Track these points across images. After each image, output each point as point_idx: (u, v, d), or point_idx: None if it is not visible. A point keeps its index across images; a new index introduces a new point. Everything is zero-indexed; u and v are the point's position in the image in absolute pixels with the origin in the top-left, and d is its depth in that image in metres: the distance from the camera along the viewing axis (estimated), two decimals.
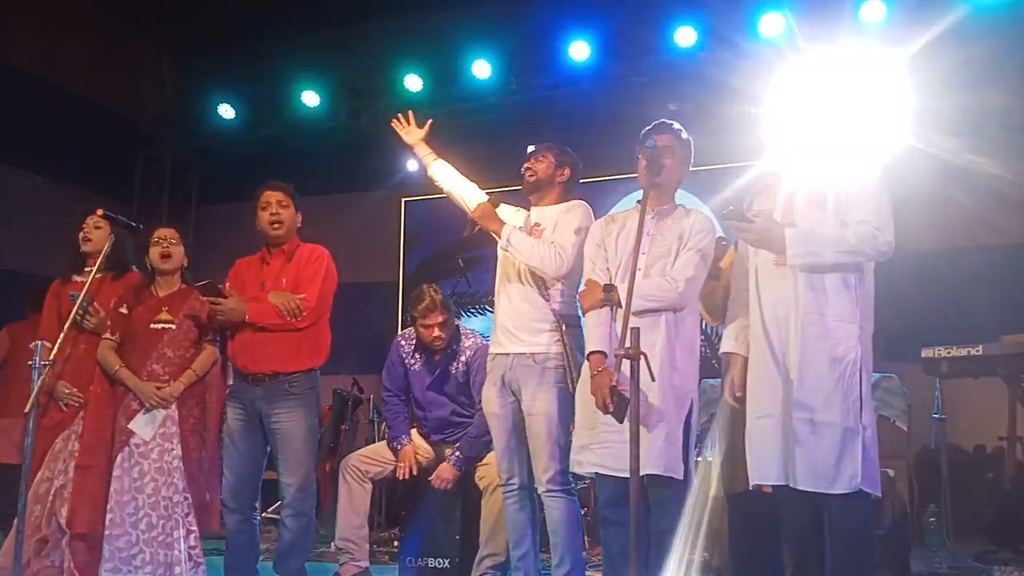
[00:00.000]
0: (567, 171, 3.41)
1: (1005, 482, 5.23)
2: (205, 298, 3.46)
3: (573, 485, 3.26)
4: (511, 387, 3.26)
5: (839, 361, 2.57)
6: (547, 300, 3.24)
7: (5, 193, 7.54)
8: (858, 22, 6.48)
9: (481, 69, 7.63)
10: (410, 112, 3.73)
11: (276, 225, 3.62)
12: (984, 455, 5.84)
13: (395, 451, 4.02)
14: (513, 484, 3.30)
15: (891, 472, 4.01)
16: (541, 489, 3.22)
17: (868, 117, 2.91)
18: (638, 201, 2.96)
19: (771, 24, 6.60)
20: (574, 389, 3.13)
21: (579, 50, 7.29)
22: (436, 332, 3.98)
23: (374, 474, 4.01)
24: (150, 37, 8.99)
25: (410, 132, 3.70)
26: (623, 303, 2.79)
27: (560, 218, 3.31)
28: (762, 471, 2.67)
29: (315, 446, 3.62)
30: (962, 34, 6.25)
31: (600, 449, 2.87)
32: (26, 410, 2.80)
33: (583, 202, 3.40)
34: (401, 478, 3.97)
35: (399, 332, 4.30)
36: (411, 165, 8.72)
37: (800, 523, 2.69)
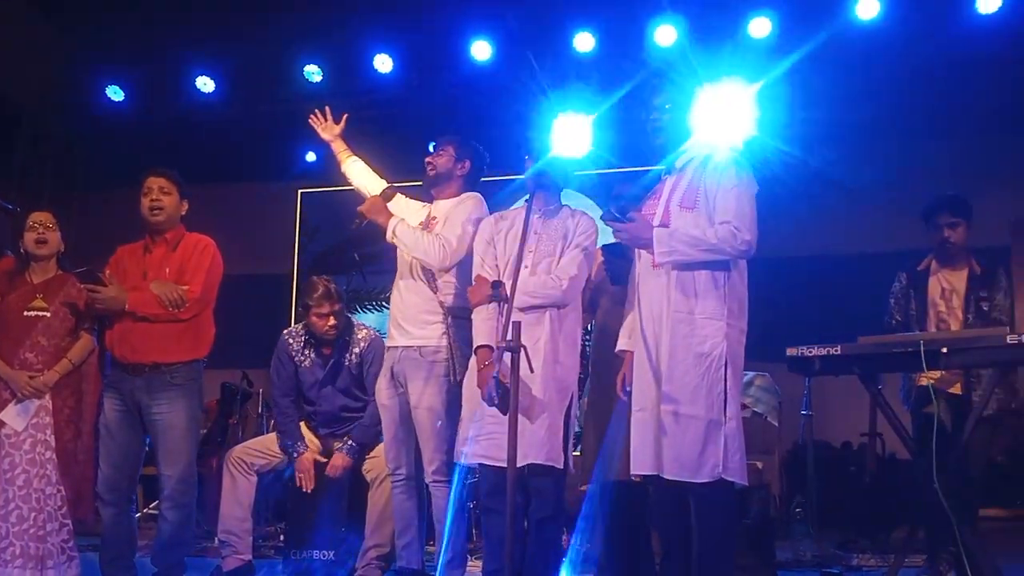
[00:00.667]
0: (467, 164, 3.46)
1: (866, 476, 5.60)
2: (84, 285, 3.36)
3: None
4: (399, 379, 3.32)
5: (705, 356, 2.71)
6: (435, 292, 3.30)
7: None
8: (746, 36, 6.79)
9: (383, 63, 7.61)
10: (327, 108, 3.76)
11: (156, 212, 3.55)
12: (848, 451, 6.24)
13: (291, 457, 3.98)
14: (400, 474, 3.37)
15: (759, 464, 4.24)
16: (428, 480, 3.28)
17: (740, 127, 3.09)
18: (527, 200, 3.09)
19: (664, 35, 6.83)
20: (457, 382, 3.21)
21: (481, 50, 7.36)
22: (331, 321, 3.98)
23: (260, 466, 3.97)
24: (36, 14, 8.55)
25: (326, 128, 3.74)
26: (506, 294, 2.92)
27: (451, 211, 3.36)
28: (637, 462, 2.80)
29: (197, 438, 3.58)
30: (841, 50, 6.68)
31: (485, 440, 2.96)
32: None
33: (475, 194, 3.45)
34: (306, 489, 3.93)
35: (285, 330, 4.22)
36: (309, 156, 8.64)
37: (668, 511, 2.84)
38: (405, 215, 3.42)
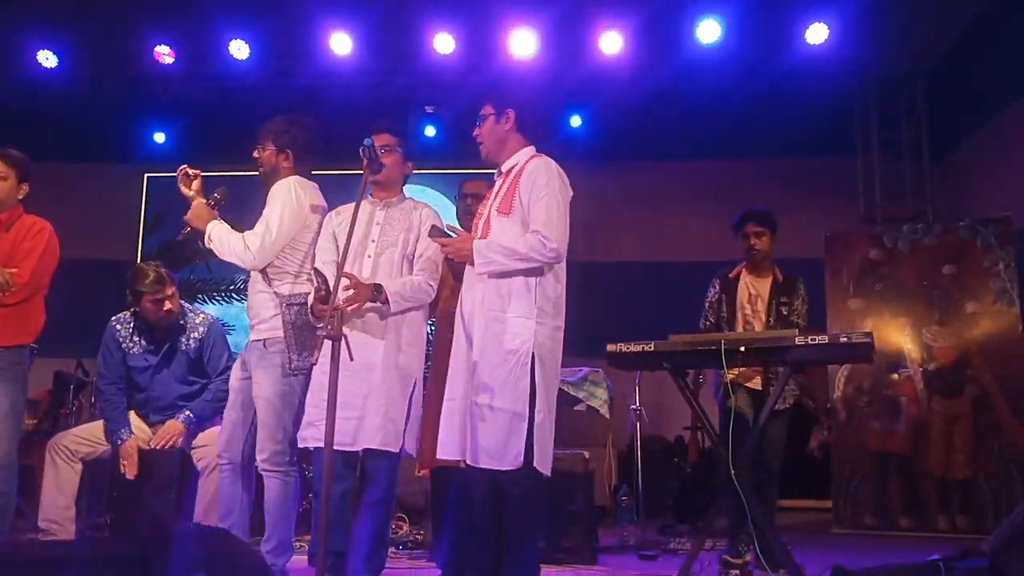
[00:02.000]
0: (290, 155, 3.44)
1: (688, 466, 6.01)
2: None
3: (291, 466, 3.33)
4: (247, 367, 3.37)
5: (512, 353, 2.89)
6: (269, 284, 3.33)
7: None
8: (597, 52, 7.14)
9: (239, 50, 7.49)
10: (185, 167, 3.49)
11: None
12: (680, 443, 6.67)
13: (115, 445, 3.91)
14: (225, 458, 3.37)
15: (586, 454, 4.50)
16: (260, 468, 3.30)
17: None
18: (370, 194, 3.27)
19: (520, 42, 7.08)
20: (293, 370, 3.26)
21: (340, 43, 7.37)
22: (168, 306, 3.95)
23: (85, 454, 3.88)
24: None
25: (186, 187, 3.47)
26: (389, 299, 3.13)
27: (266, 206, 3.36)
28: (444, 447, 2.98)
29: (19, 424, 3.46)
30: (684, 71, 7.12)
31: (323, 424, 3.01)
32: None
33: (288, 180, 3.39)
34: (129, 476, 3.86)
35: (113, 317, 4.12)
36: (158, 137, 8.40)
37: (479, 494, 3.02)
38: None
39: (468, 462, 2.90)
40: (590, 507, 4.49)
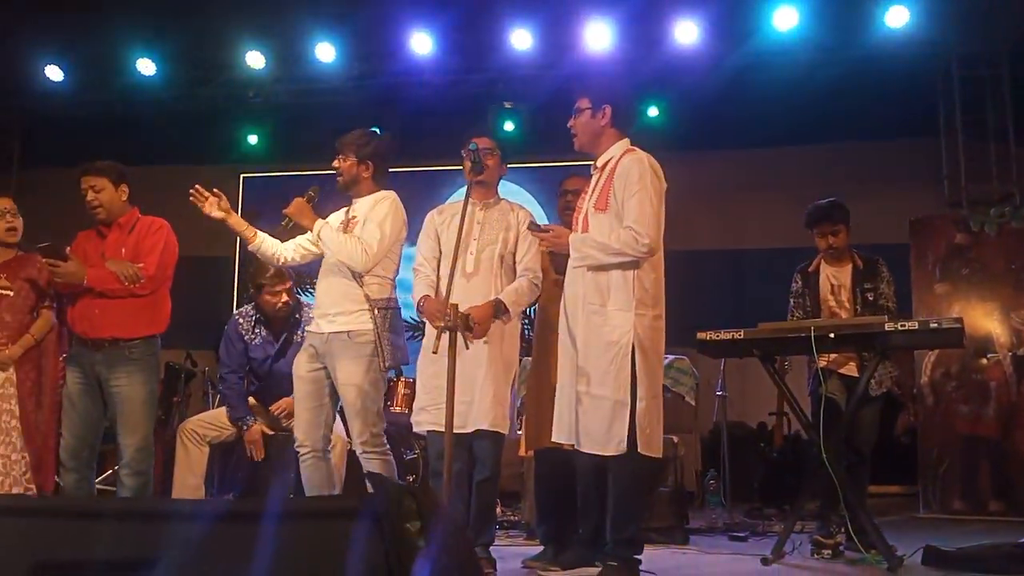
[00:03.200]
0: (370, 165, 3.59)
1: (774, 451, 6.08)
2: (45, 260, 3.50)
3: (387, 447, 3.50)
4: (323, 359, 3.48)
5: (613, 344, 3.06)
6: (361, 286, 3.48)
7: None
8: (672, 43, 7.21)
9: (325, 52, 7.78)
10: (198, 187, 3.60)
11: (97, 211, 3.67)
12: (763, 429, 6.74)
13: (241, 430, 4.23)
14: (307, 447, 3.49)
15: (675, 439, 4.64)
16: (359, 451, 3.46)
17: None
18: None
19: (596, 35, 7.20)
20: (384, 367, 3.44)
21: (421, 43, 7.59)
22: (284, 298, 4.23)
23: (212, 438, 4.23)
24: None
25: (210, 205, 3.57)
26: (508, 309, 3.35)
27: (368, 212, 3.53)
28: (557, 431, 3.20)
29: (154, 409, 3.76)
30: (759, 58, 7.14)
31: (435, 409, 3.27)
32: None
33: (390, 193, 3.60)
34: (256, 459, 4.17)
35: (236, 311, 4.45)
36: (251, 138, 8.77)
37: (584, 473, 3.22)
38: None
39: (576, 446, 3.09)
40: (680, 490, 4.64)
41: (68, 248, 3.66)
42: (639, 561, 3.15)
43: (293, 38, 7.89)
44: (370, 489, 3.37)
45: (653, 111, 8.02)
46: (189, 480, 4.11)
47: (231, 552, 1.22)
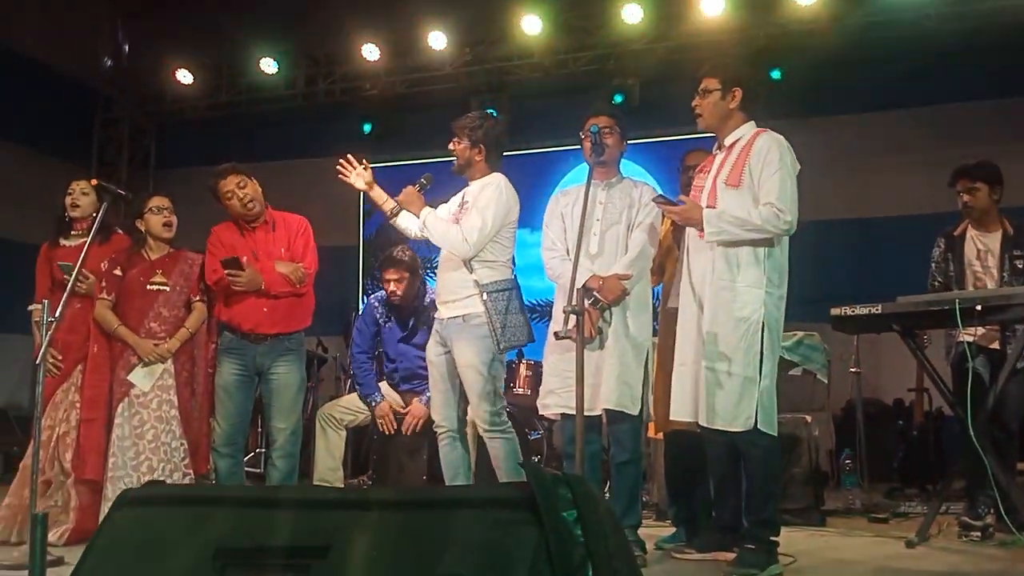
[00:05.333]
0: (482, 149, 3.61)
1: (913, 429, 5.83)
2: (226, 272, 3.67)
3: (508, 425, 3.55)
4: (445, 342, 3.56)
5: (744, 321, 3.03)
6: (470, 272, 3.52)
7: None
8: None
9: (436, 40, 7.90)
10: (350, 156, 3.72)
11: (250, 204, 3.82)
12: (899, 406, 6.46)
13: (370, 407, 4.41)
14: (444, 428, 3.57)
15: (808, 418, 4.51)
16: (481, 431, 3.53)
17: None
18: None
19: (710, 2, 7.01)
20: (499, 348, 3.47)
21: (531, 24, 7.60)
22: (391, 287, 4.37)
23: (348, 422, 4.42)
24: (104, 5, 9.01)
25: (359, 175, 3.67)
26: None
27: (476, 196, 3.57)
28: (676, 410, 3.18)
29: (304, 396, 3.96)
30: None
31: (565, 392, 3.27)
32: (36, 362, 3.06)
33: (497, 177, 3.61)
34: (387, 433, 4.35)
35: (372, 296, 4.66)
36: (367, 129, 9.01)
37: (717, 456, 3.18)
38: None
39: (702, 423, 3.06)
40: (814, 470, 4.51)
41: (208, 247, 3.86)
42: (777, 543, 3.10)
43: (405, 28, 8.05)
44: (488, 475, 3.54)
45: (774, 74, 7.75)
46: (328, 463, 4.31)
47: (399, 539, 1.27)
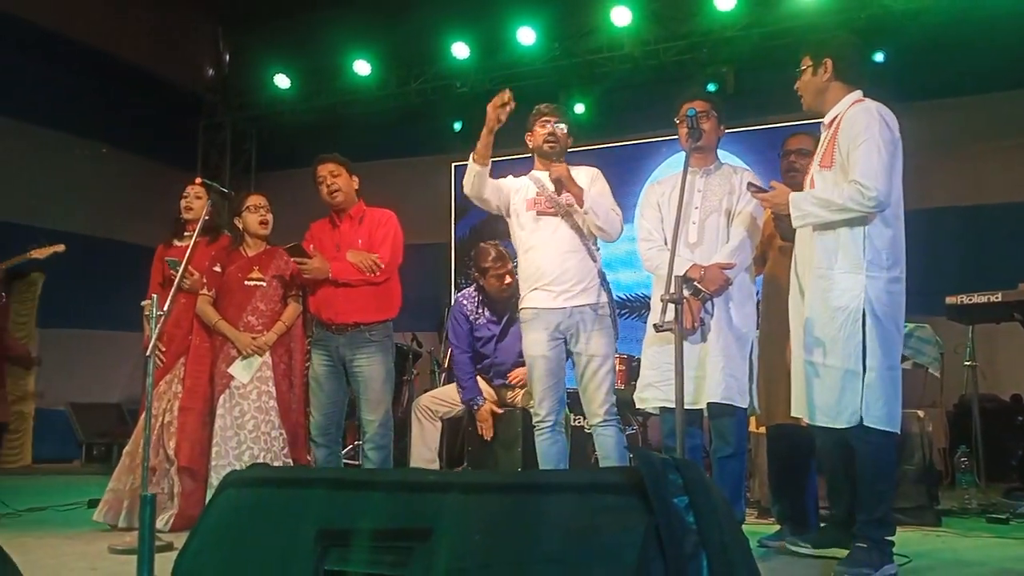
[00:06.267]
0: (570, 140, 3.63)
1: None
2: (293, 258, 3.80)
3: (619, 418, 3.51)
4: (565, 334, 3.48)
5: (841, 310, 2.83)
6: (594, 260, 3.51)
7: (71, 162, 8.00)
8: None
9: (526, 35, 7.89)
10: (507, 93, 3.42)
11: (335, 194, 3.90)
12: (1015, 401, 6.09)
13: (472, 410, 4.42)
14: (548, 421, 3.49)
15: (920, 414, 4.28)
16: (597, 421, 3.45)
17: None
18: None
19: None
20: (616, 336, 3.45)
21: (621, 16, 7.50)
22: (508, 280, 4.35)
23: (443, 413, 4.45)
24: (206, 11, 9.37)
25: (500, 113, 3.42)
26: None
27: (591, 185, 3.50)
28: (795, 405, 3.02)
29: (392, 387, 3.99)
30: None
31: (665, 386, 3.18)
32: (146, 354, 3.16)
33: (593, 168, 3.62)
34: (487, 437, 4.36)
35: (459, 293, 4.66)
36: (458, 127, 9.08)
37: (826, 451, 3.03)
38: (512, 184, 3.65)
39: (806, 420, 2.93)
40: (928, 468, 4.28)
41: (305, 241, 3.94)
42: (891, 543, 2.93)
43: (495, 25, 8.07)
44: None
45: (878, 57, 7.42)
46: (424, 453, 4.34)
47: (501, 523, 1.24)
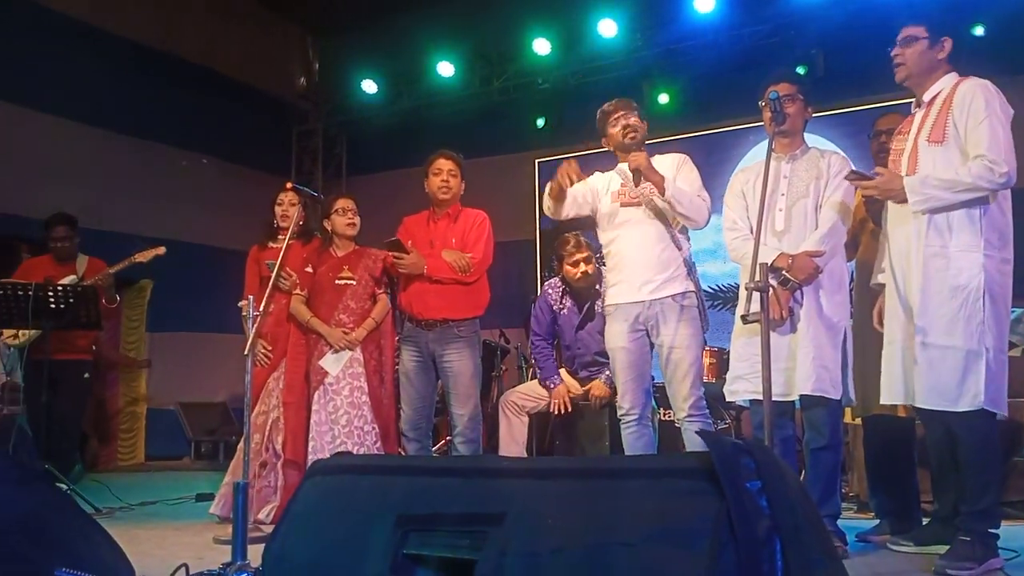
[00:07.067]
0: (646, 125, 3.61)
1: None
2: (390, 253, 3.90)
3: (707, 411, 3.45)
4: (645, 324, 3.45)
5: (961, 289, 2.73)
6: (679, 248, 3.46)
7: (175, 172, 8.39)
8: None
9: (607, 28, 7.85)
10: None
11: (444, 191, 3.98)
12: None
13: (548, 390, 4.47)
14: (634, 414, 3.47)
15: None
16: (682, 415, 3.42)
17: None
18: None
19: None
20: (706, 328, 3.39)
21: (703, 2, 7.38)
22: (582, 268, 4.35)
23: (529, 408, 4.49)
24: (295, 22, 9.68)
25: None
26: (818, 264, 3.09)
27: (676, 172, 3.48)
28: (886, 392, 2.91)
29: (480, 382, 4.04)
30: None
31: (754, 377, 3.08)
32: (244, 353, 3.30)
33: (681, 155, 3.60)
34: (556, 413, 4.42)
35: (546, 282, 4.69)
36: (538, 122, 9.11)
37: (936, 440, 2.91)
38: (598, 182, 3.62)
39: (919, 405, 2.82)
40: None
41: (397, 235, 4.03)
42: (996, 536, 2.81)
43: (575, 20, 8.06)
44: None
45: (978, 30, 7.06)
46: (512, 448, 4.38)
47: (574, 508, 1.25)
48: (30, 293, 4.51)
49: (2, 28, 7.02)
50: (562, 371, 4.57)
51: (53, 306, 4.58)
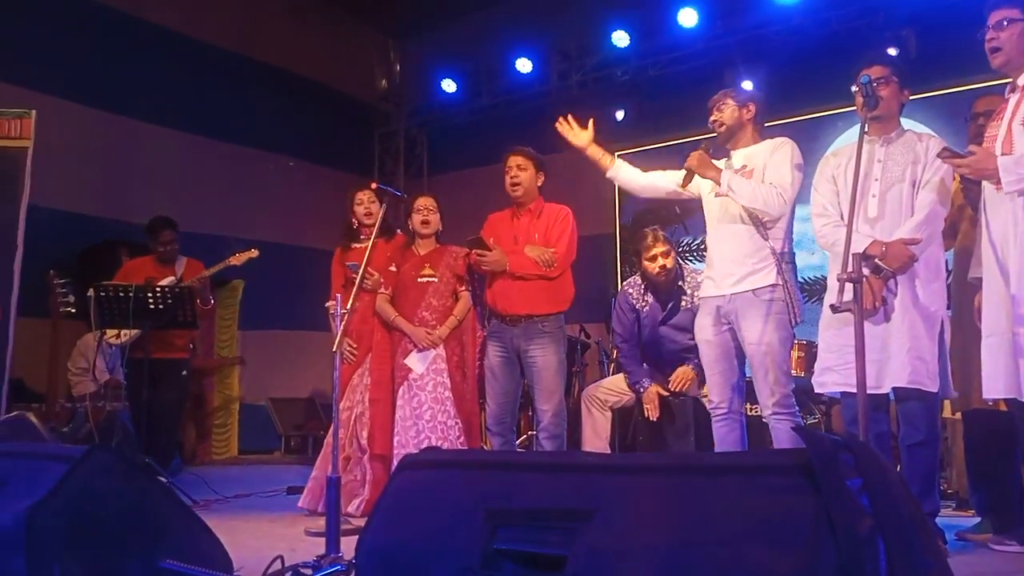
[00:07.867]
0: (752, 107, 3.46)
1: None
2: (472, 250, 3.93)
3: (796, 409, 3.36)
4: (727, 318, 3.39)
5: None
6: (766, 239, 3.35)
7: (263, 175, 8.64)
8: None
9: (687, 17, 7.72)
10: (570, 115, 3.75)
11: (515, 187, 4.00)
12: None
13: (638, 393, 4.40)
14: (723, 408, 3.43)
15: None
16: (767, 412, 3.34)
17: None
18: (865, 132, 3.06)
19: None
20: (795, 323, 3.29)
21: None
22: (660, 262, 4.28)
23: (612, 403, 4.45)
24: (375, 25, 9.84)
25: (576, 136, 3.73)
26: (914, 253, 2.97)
27: (769, 158, 3.38)
28: (990, 386, 2.78)
29: (564, 377, 4.03)
30: None
31: (844, 369, 3.00)
32: (332, 350, 3.37)
33: (787, 138, 3.45)
34: (651, 419, 4.34)
35: (625, 281, 4.63)
36: (618, 114, 9.02)
37: None
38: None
39: (1019, 399, 2.68)
40: None
41: (482, 233, 4.06)
42: None
43: (654, 10, 7.95)
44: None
45: None
46: (596, 443, 4.36)
47: (665, 505, 1.23)
48: (131, 294, 4.71)
49: (99, 40, 7.36)
50: (644, 366, 4.50)
51: (152, 307, 4.77)
